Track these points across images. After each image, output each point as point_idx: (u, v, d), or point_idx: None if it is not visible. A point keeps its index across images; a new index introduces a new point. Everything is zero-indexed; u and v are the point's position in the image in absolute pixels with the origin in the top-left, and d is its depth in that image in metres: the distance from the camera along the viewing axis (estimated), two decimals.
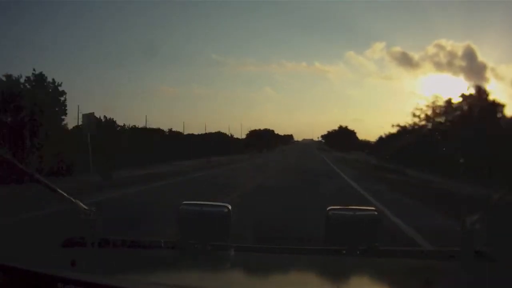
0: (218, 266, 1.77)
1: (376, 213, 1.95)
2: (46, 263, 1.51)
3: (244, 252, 1.93)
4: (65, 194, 1.86)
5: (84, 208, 1.87)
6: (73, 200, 1.87)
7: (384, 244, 1.81)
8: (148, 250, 1.97)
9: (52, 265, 1.48)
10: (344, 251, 1.87)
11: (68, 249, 1.90)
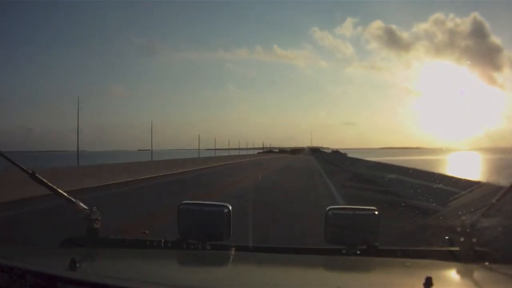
0: (218, 266, 1.77)
1: (376, 212, 1.95)
2: (46, 263, 1.52)
3: (244, 252, 1.93)
4: (65, 194, 1.86)
5: (84, 208, 1.87)
6: (73, 200, 1.87)
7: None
8: (148, 249, 1.97)
9: (52, 265, 1.48)
10: (343, 251, 1.87)
11: (68, 249, 1.90)
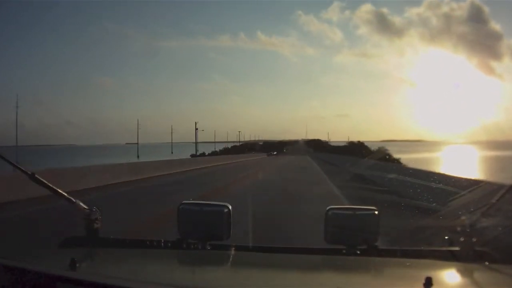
0: (218, 266, 1.77)
1: (376, 212, 1.95)
2: (46, 263, 1.52)
3: (244, 252, 1.94)
4: (65, 194, 1.87)
5: (84, 208, 1.88)
6: (74, 200, 1.87)
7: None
8: (148, 249, 1.98)
9: (52, 265, 1.48)
10: (344, 251, 1.87)
11: (68, 249, 1.90)
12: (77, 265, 1.35)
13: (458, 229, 1.76)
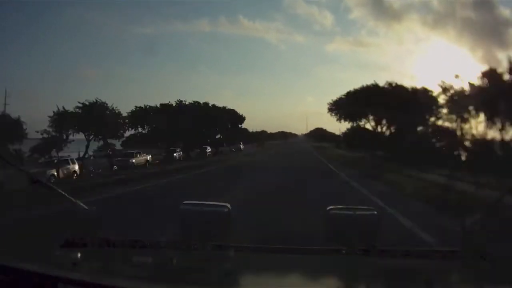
0: (218, 266, 1.77)
1: (375, 212, 1.95)
2: (46, 263, 1.52)
3: (244, 252, 1.94)
4: (65, 194, 1.87)
5: (84, 208, 1.88)
6: (74, 200, 1.88)
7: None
8: (148, 250, 1.98)
9: (53, 265, 1.48)
10: (344, 251, 1.87)
11: (68, 249, 1.91)
12: (77, 265, 1.35)
13: (458, 229, 1.76)
